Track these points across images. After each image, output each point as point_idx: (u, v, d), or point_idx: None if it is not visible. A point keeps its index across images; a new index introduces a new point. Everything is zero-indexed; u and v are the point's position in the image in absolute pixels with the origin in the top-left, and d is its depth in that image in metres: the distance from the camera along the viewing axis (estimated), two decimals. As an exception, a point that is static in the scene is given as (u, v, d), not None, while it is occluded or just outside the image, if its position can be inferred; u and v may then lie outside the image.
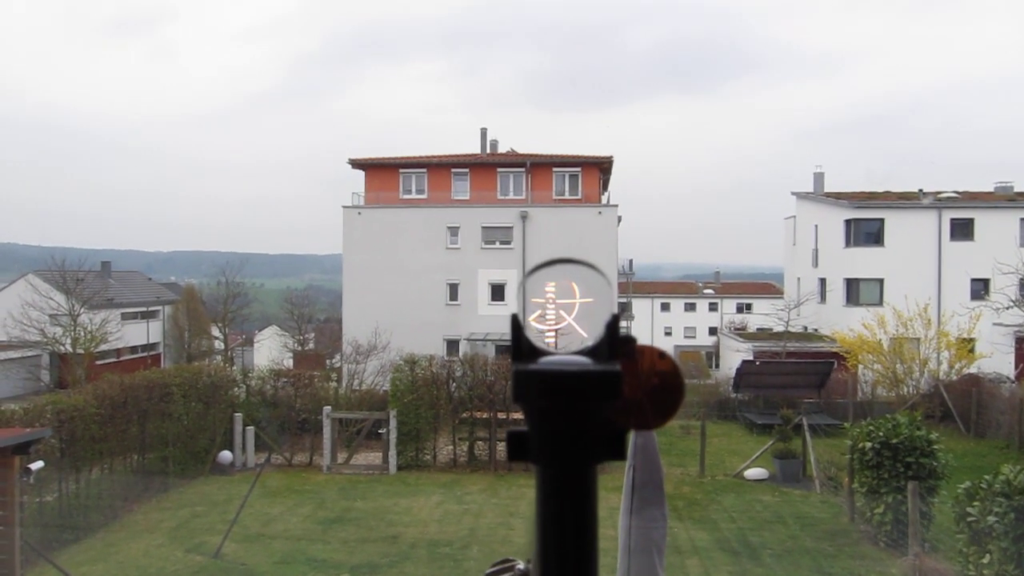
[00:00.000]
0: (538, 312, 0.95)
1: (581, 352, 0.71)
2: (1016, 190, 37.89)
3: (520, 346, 0.71)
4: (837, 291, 34.90)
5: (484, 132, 38.12)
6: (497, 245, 33.13)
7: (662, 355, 1.21)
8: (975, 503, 9.32)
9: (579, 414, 0.67)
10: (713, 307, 71.68)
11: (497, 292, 32.49)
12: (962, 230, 33.80)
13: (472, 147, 38.37)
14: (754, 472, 17.51)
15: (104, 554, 12.50)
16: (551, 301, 0.95)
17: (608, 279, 0.80)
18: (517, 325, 0.72)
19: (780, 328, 32.04)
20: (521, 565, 1.30)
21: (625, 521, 1.51)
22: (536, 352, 0.71)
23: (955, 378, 24.35)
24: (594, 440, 0.67)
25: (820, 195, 38.14)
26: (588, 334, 0.78)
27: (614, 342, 0.72)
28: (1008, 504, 8.80)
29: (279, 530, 13.78)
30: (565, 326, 0.97)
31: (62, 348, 37.33)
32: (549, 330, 0.95)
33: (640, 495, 1.50)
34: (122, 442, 15.48)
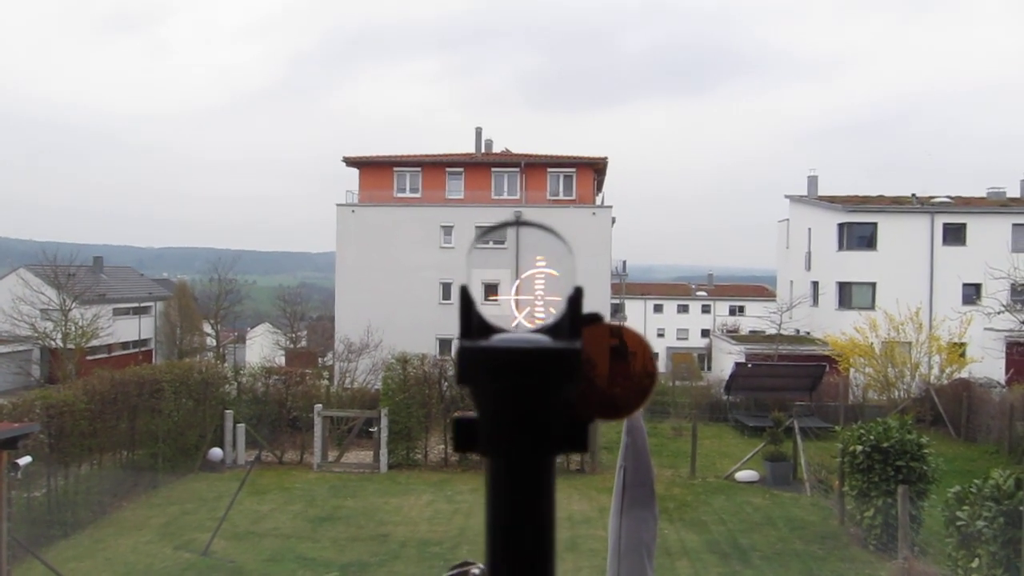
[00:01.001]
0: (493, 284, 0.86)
1: (539, 330, 0.62)
2: (1008, 196, 38.07)
3: (470, 321, 0.61)
4: (829, 294, 34.99)
5: (479, 132, 38.07)
6: (491, 245, 32.97)
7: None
8: (965, 507, 9.36)
9: (535, 398, 0.58)
10: (706, 309, 71.95)
11: (490, 292, 32.43)
12: (954, 235, 33.93)
13: (467, 147, 38.36)
14: (745, 474, 17.53)
15: (92, 551, 12.44)
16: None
17: (570, 247, 0.72)
18: (467, 298, 0.62)
19: (772, 331, 32.09)
20: (477, 569, 1.27)
21: (615, 522, 1.49)
22: (488, 329, 0.62)
23: (946, 382, 24.44)
24: (552, 428, 0.58)
25: (813, 199, 38.22)
26: (547, 309, 0.71)
27: (577, 319, 0.62)
28: (997, 508, 8.83)
29: (268, 528, 13.74)
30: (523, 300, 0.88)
31: (53, 343, 37.13)
32: (504, 304, 0.85)
33: (631, 496, 1.49)
34: (112, 438, 15.39)
